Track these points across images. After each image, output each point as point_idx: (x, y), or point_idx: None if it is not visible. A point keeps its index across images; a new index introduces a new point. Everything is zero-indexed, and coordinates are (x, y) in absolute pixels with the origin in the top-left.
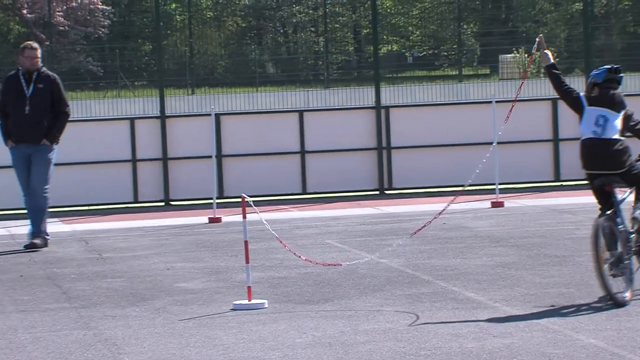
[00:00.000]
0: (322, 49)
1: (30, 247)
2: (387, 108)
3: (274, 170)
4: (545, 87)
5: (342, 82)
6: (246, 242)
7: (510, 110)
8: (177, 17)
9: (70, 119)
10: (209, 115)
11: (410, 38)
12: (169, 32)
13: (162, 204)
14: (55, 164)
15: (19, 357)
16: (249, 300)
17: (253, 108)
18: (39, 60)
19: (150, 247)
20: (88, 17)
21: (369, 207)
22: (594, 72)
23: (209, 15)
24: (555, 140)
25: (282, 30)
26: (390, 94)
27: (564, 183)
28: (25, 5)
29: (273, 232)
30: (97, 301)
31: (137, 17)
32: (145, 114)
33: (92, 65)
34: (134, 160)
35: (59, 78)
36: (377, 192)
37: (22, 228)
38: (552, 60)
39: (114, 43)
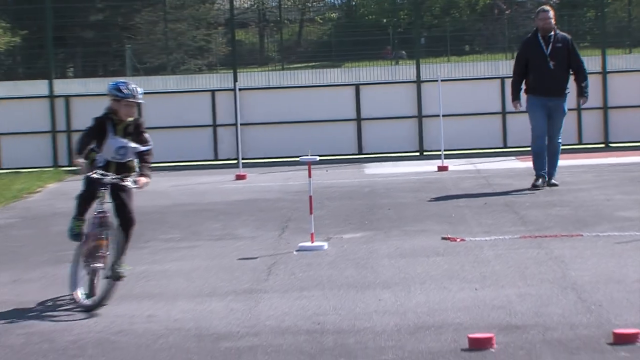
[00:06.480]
0: None
1: (550, 185)
2: None
3: None
4: None
5: None
6: None
7: None
8: None
9: None
10: None
11: None
12: (609, 1)
13: (602, 145)
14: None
15: (484, 269)
16: None
17: None
18: (551, 21)
19: (591, 182)
20: None
21: None
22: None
23: None
24: None
25: None
26: None
27: None
28: None
29: None
30: (548, 225)
31: None
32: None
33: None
34: (579, 110)
35: (572, 39)
36: None
37: (487, 165)
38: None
39: (563, 11)
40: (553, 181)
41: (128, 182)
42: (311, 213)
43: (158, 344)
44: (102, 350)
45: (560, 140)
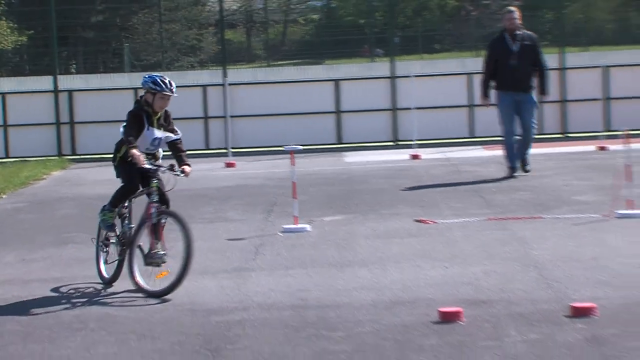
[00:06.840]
0: None
1: (526, 171)
2: None
3: None
4: None
5: None
6: (628, 166)
7: None
8: None
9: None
10: (599, 67)
11: None
12: (567, 3)
13: (561, 135)
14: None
15: (453, 249)
16: (630, 210)
17: (634, 61)
18: (517, 21)
19: (552, 169)
20: None
21: None
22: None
23: None
24: None
25: None
26: None
27: None
28: None
29: None
30: (512, 209)
31: None
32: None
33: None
34: (539, 102)
35: (537, 37)
36: None
37: (456, 153)
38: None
39: (525, 12)
40: (527, 167)
41: (177, 172)
42: (295, 198)
43: (155, 318)
44: (103, 324)
45: (534, 128)
